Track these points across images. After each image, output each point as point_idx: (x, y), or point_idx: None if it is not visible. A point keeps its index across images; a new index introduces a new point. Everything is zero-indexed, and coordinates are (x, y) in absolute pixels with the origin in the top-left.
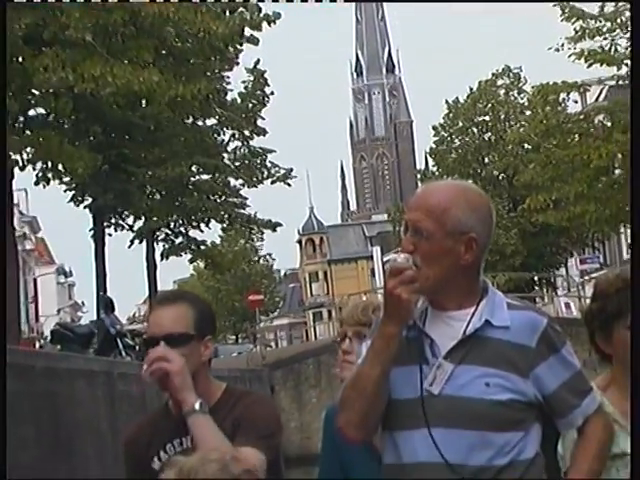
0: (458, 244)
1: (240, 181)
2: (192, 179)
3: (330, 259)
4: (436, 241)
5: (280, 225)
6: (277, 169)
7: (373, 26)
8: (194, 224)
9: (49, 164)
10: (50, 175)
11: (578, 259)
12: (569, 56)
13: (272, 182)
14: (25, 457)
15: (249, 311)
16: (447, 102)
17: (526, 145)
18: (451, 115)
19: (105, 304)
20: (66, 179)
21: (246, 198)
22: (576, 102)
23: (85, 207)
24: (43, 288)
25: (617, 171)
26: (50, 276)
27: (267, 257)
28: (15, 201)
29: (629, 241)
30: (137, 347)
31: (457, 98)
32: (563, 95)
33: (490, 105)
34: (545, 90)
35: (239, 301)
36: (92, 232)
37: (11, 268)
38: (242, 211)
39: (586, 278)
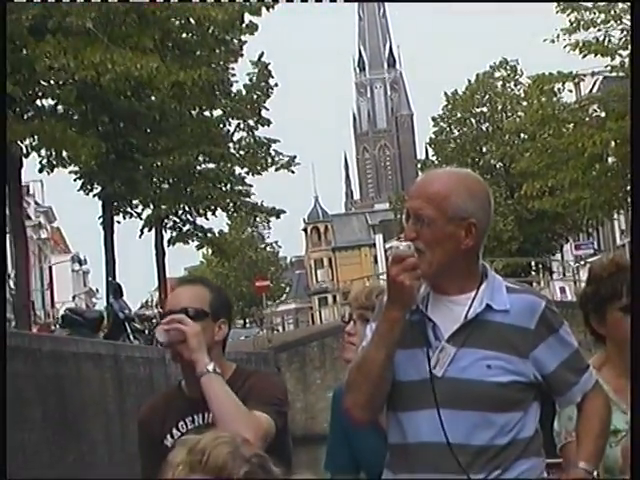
0: (459, 229)
1: (245, 169)
2: (198, 168)
3: (334, 246)
4: (438, 227)
5: (284, 212)
6: (281, 157)
7: (375, 23)
8: (201, 212)
9: (53, 151)
10: (55, 162)
11: (573, 245)
12: (564, 47)
13: (276, 169)
14: (32, 440)
15: (256, 296)
16: (446, 94)
17: (522, 135)
18: (450, 107)
19: (114, 289)
20: (75, 168)
21: (251, 186)
22: (571, 91)
23: (94, 195)
24: (59, 276)
25: (610, 159)
26: (65, 264)
27: (273, 245)
28: (30, 191)
29: (622, 227)
30: (146, 331)
31: (456, 90)
32: (558, 85)
33: (488, 96)
34: (541, 80)
35: (247, 287)
36: (101, 220)
37: (21, 257)
38: (247, 199)
39: (581, 263)
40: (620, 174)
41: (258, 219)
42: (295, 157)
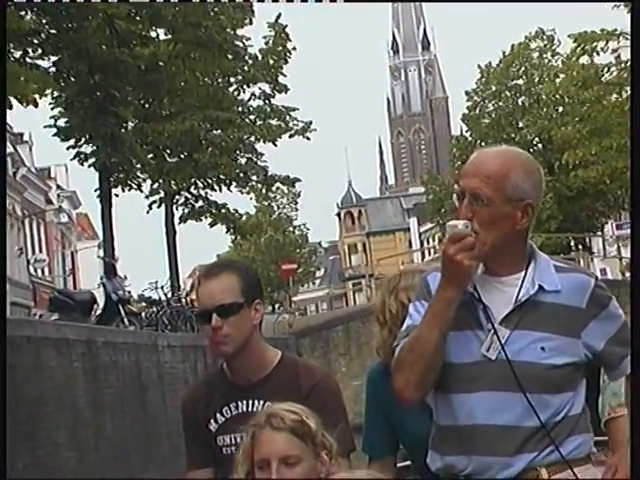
0: (515, 210)
1: (256, 136)
2: (204, 134)
3: (368, 231)
4: (495, 207)
5: (299, 180)
6: (295, 122)
7: (409, 5)
8: (209, 182)
9: None
10: None
11: (614, 224)
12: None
13: (290, 136)
14: None
15: (285, 281)
16: (479, 67)
17: (561, 108)
18: (484, 80)
19: (107, 268)
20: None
21: (262, 154)
22: (615, 51)
23: (89, 166)
24: (86, 262)
25: None
26: (92, 250)
27: (302, 227)
28: (52, 175)
29: None
30: (154, 315)
31: (489, 62)
32: (601, 44)
33: (523, 68)
34: (582, 39)
35: (274, 271)
36: (97, 192)
37: None
38: (263, 168)
39: (623, 243)
40: None
41: (285, 200)
42: (311, 122)
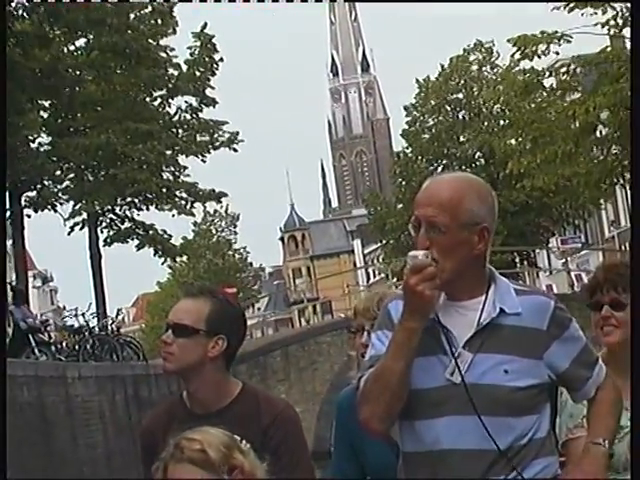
0: (472, 235)
1: (177, 149)
2: (121, 148)
3: (313, 255)
4: (452, 234)
5: (225, 195)
6: (220, 133)
7: (347, 27)
8: (134, 200)
9: None
10: None
11: (559, 239)
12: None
13: (215, 148)
14: None
15: None
16: (417, 81)
17: (501, 122)
18: (422, 94)
19: (15, 294)
20: None
21: (185, 167)
22: (557, 54)
23: None
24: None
25: (604, 130)
26: (29, 280)
27: (242, 251)
28: None
29: (611, 218)
30: (76, 346)
31: (428, 77)
32: (542, 47)
33: (463, 82)
34: (522, 42)
35: None
36: (9, 213)
37: None
38: (184, 181)
39: (571, 258)
40: (616, 144)
41: (224, 223)
42: (238, 133)
